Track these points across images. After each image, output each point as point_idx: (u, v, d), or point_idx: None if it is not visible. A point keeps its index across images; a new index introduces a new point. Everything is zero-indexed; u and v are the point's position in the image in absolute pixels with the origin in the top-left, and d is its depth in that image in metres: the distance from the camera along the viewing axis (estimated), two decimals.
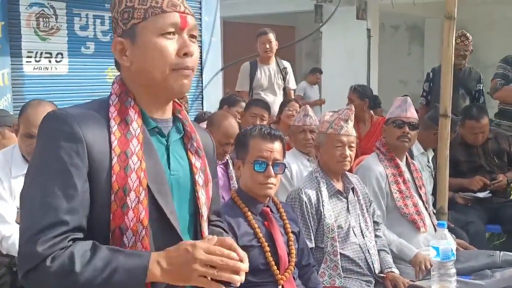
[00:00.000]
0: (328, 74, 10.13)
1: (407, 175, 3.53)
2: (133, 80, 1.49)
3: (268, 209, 2.63)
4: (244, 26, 11.11)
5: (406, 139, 3.53)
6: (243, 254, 1.39)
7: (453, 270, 2.03)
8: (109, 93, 1.51)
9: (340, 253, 2.93)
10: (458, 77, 5.23)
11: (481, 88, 5.64)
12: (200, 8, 6.62)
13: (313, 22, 10.51)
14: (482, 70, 5.86)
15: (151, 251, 1.38)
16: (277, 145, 2.60)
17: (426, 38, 12.44)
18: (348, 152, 3.08)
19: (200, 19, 6.59)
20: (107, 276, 1.29)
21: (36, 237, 1.29)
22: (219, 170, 3.50)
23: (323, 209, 2.97)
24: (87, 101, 1.56)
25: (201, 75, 6.66)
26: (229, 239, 1.45)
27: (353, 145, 3.14)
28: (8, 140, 3.46)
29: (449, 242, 2.03)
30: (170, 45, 1.44)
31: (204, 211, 1.55)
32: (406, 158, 3.66)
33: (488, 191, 4.49)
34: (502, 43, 5.66)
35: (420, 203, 3.47)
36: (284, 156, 2.69)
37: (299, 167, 3.91)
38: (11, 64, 4.86)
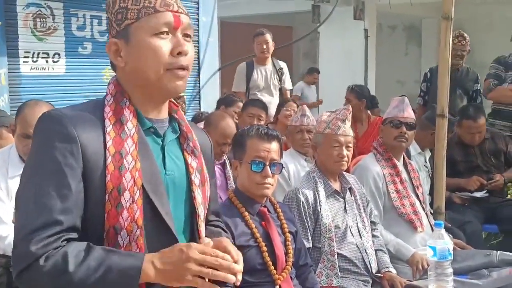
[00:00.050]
0: (326, 74, 10.13)
1: (404, 175, 3.54)
2: (128, 81, 1.49)
3: (266, 209, 2.63)
4: (241, 26, 11.12)
5: (403, 139, 3.54)
6: (237, 256, 1.39)
7: (450, 270, 2.04)
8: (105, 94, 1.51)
9: (337, 253, 2.93)
10: (456, 77, 5.24)
11: (478, 88, 5.64)
12: (198, 8, 6.62)
13: (310, 22, 10.51)
14: (479, 70, 5.86)
15: (145, 251, 1.39)
16: (274, 145, 2.60)
17: (423, 38, 12.46)
18: (345, 152, 3.09)
19: (198, 19, 6.59)
20: (100, 276, 1.29)
21: (30, 237, 1.29)
22: (217, 170, 3.50)
23: (320, 209, 2.98)
24: (84, 101, 1.56)
25: (199, 75, 6.66)
26: (225, 241, 1.45)
27: (350, 145, 3.14)
28: (5, 141, 3.46)
29: (446, 242, 2.03)
30: (164, 44, 1.44)
31: (201, 211, 1.55)
32: (403, 158, 3.66)
33: (485, 191, 4.49)
34: (499, 43, 5.67)
35: (417, 203, 3.48)
36: (281, 156, 2.70)
37: (296, 167, 3.91)
38: (8, 64, 4.86)
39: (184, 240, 1.52)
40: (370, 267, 3.01)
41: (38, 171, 1.36)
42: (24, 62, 4.99)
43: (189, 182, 1.54)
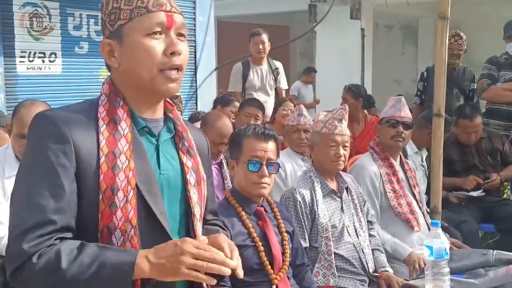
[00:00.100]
0: (322, 73, 10.14)
1: (401, 174, 3.54)
2: (122, 81, 1.50)
3: (262, 209, 2.63)
4: (238, 25, 11.11)
5: (400, 139, 3.54)
6: (231, 252, 1.39)
7: (447, 269, 2.04)
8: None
9: (334, 253, 2.93)
10: (452, 76, 5.25)
11: (475, 87, 5.65)
12: (194, 8, 6.62)
13: (307, 22, 10.52)
14: (475, 69, 5.86)
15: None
16: (271, 145, 2.60)
17: (420, 37, 12.47)
18: (342, 151, 3.09)
19: (194, 18, 6.59)
20: (93, 272, 1.28)
21: (23, 236, 1.30)
22: (213, 170, 3.50)
23: (317, 208, 2.98)
24: (79, 101, 1.56)
25: (195, 74, 6.66)
26: (221, 238, 1.44)
27: (347, 144, 3.14)
28: (1, 140, 3.45)
29: (442, 241, 2.03)
30: (157, 44, 1.44)
31: (197, 210, 1.55)
32: (400, 157, 3.67)
33: (482, 190, 4.50)
34: (495, 42, 5.67)
35: (414, 202, 3.48)
36: (278, 155, 2.69)
37: (293, 166, 3.91)
38: (4, 64, 4.85)
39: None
40: (367, 266, 3.01)
41: (32, 171, 1.36)
42: (20, 61, 4.98)
43: (185, 181, 1.54)
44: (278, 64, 6.07)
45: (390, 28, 12.87)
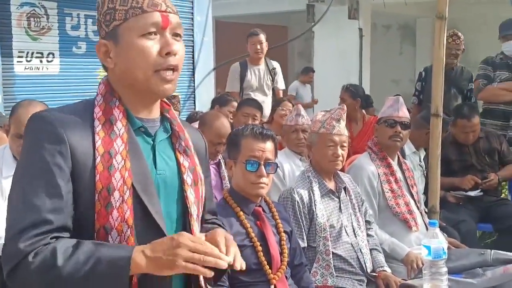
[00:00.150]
0: (320, 73, 10.13)
1: (399, 174, 3.54)
2: (118, 81, 1.50)
3: (260, 209, 2.63)
4: (236, 25, 11.10)
5: (398, 139, 3.54)
6: (227, 247, 1.39)
7: (445, 269, 2.04)
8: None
9: (332, 252, 2.93)
10: (450, 76, 5.25)
11: (473, 87, 5.66)
12: (192, 7, 6.61)
13: (305, 22, 10.52)
14: (473, 69, 5.86)
15: None
16: (269, 145, 2.60)
17: (417, 37, 12.48)
18: (340, 151, 3.09)
19: (192, 18, 6.58)
20: (89, 268, 1.28)
21: (19, 235, 1.30)
22: (212, 170, 3.50)
23: (315, 208, 2.98)
24: (76, 101, 1.56)
25: (193, 74, 6.65)
26: (218, 233, 1.44)
27: (345, 144, 3.15)
28: None
29: (440, 241, 2.03)
30: (152, 45, 1.44)
31: (194, 210, 1.55)
32: (398, 157, 3.67)
33: (480, 190, 4.50)
34: (493, 42, 5.68)
35: (411, 202, 3.49)
36: (276, 155, 2.69)
37: (291, 166, 3.91)
38: (2, 64, 4.84)
39: None
40: (365, 266, 3.01)
41: (27, 172, 1.37)
42: (18, 61, 4.97)
43: (181, 181, 1.54)
44: (276, 64, 6.07)
45: (388, 28, 12.87)
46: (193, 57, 6.59)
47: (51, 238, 1.31)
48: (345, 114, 3.21)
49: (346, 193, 3.16)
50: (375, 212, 3.41)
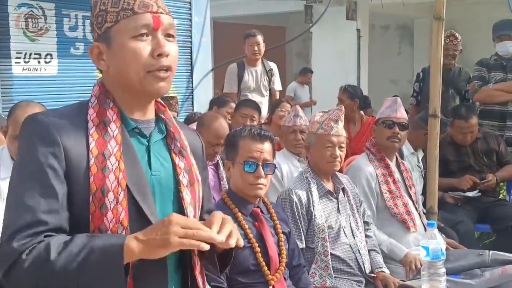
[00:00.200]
0: (318, 74, 10.14)
1: (397, 175, 3.54)
2: (112, 83, 1.50)
3: (259, 210, 2.63)
4: (234, 26, 11.10)
5: (396, 139, 3.54)
6: (220, 227, 1.38)
7: (443, 270, 2.04)
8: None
9: (331, 253, 2.93)
10: (448, 77, 5.26)
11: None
12: (190, 8, 6.60)
13: (303, 23, 10.52)
14: (471, 70, 5.86)
15: None
16: (267, 146, 2.60)
17: (415, 38, 12.50)
18: (338, 152, 3.09)
19: (190, 19, 6.57)
20: (82, 259, 1.28)
21: (13, 236, 1.30)
22: (210, 171, 3.50)
23: (313, 209, 2.98)
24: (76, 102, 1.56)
25: (191, 75, 6.64)
26: (214, 215, 1.43)
27: (343, 145, 3.15)
28: None
29: (438, 242, 2.04)
30: (143, 47, 1.44)
31: (190, 211, 1.54)
32: (396, 158, 3.67)
33: (478, 191, 4.51)
34: (490, 43, 5.68)
35: (410, 203, 3.49)
36: (274, 156, 2.69)
37: (289, 167, 3.91)
38: None
39: None
40: (364, 267, 3.01)
41: (22, 174, 1.37)
42: (16, 63, 4.96)
43: (177, 182, 1.54)
44: (273, 65, 6.07)
45: (386, 28, 12.88)
46: (191, 58, 6.58)
47: (45, 236, 1.31)
48: (343, 115, 3.22)
49: (344, 194, 3.16)
50: (374, 213, 3.42)
